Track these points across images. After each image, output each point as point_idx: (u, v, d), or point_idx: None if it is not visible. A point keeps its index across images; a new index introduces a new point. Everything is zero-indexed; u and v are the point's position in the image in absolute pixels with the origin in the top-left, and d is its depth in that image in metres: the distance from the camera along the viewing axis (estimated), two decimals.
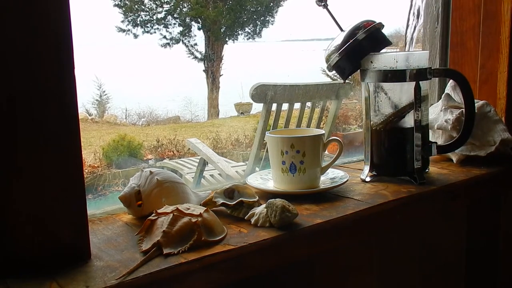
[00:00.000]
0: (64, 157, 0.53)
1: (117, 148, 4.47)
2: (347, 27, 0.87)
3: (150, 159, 4.67)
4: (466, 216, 0.98)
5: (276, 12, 7.88)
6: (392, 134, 0.87)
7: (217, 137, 5.27)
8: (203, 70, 7.59)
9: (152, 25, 7.45)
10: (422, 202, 0.82)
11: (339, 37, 0.86)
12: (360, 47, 0.85)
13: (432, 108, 1.03)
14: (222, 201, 0.70)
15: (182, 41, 7.63)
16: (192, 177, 3.05)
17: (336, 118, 2.69)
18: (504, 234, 1.08)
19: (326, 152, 0.88)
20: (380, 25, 0.86)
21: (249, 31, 7.81)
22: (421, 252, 0.90)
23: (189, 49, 7.63)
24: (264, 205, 0.67)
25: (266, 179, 0.85)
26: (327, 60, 0.88)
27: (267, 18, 7.85)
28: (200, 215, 0.61)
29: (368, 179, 0.88)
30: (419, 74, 0.83)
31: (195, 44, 7.61)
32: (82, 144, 0.55)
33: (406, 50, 0.89)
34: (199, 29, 7.58)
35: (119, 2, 7.25)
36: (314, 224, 0.66)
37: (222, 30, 7.58)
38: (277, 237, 0.62)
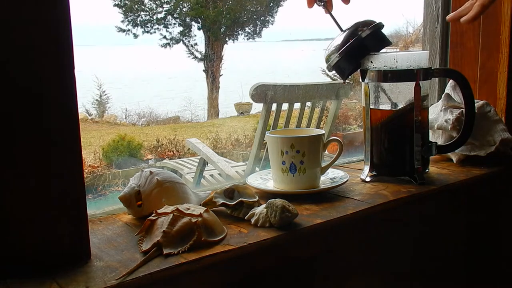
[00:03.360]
0: (64, 157, 0.53)
1: (117, 148, 4.48)
2: (347, 27, 0.87)
3: (150, 159, 4.67)
4: (466, 216, 0.98)
5: (276, 12, 7.89)
6: (392, 134, 0.87)
7: (217, 137, 5.28)
8: (203, 70, 7.60)
9: (152, 25, 7.46)
10: (422, 202, 0.82)
11: (339, 37, 0.86)
12: (360, 47, 0.85)
13: (432, 108, 1.03)
14: (222, 201, 0.70)
15: (182, 41, 7.64)
16: (192, 177, 3.05)
17: (336, 118, 2.69)
18: (504, 234, 1.08)
19: (326, 152, 0.88)
20: (380, 25, 0.86)
21: (249, 31, 7.82)
22: (421, 252, 0.90)
23: (189, 49, 7.64)
24: (264, 205, 0.67)
25: (266, 179, 0.85)
26: (327, 60, 0.88)
27: (267, 18, 7.86)
28: (200, 215, 0.61)
29: (368, 179, 0.88)
30: (419, 74, 0.83)
31: (195, 44, 7.62)
32: (82, 144, 0.55)
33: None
34: (199, 29, 7.59)
35: (119, 2, 7.26)
36: (314, 224, 0.66)
37: (222, 30, 7.59)
38: (277, 237, 0.62)
